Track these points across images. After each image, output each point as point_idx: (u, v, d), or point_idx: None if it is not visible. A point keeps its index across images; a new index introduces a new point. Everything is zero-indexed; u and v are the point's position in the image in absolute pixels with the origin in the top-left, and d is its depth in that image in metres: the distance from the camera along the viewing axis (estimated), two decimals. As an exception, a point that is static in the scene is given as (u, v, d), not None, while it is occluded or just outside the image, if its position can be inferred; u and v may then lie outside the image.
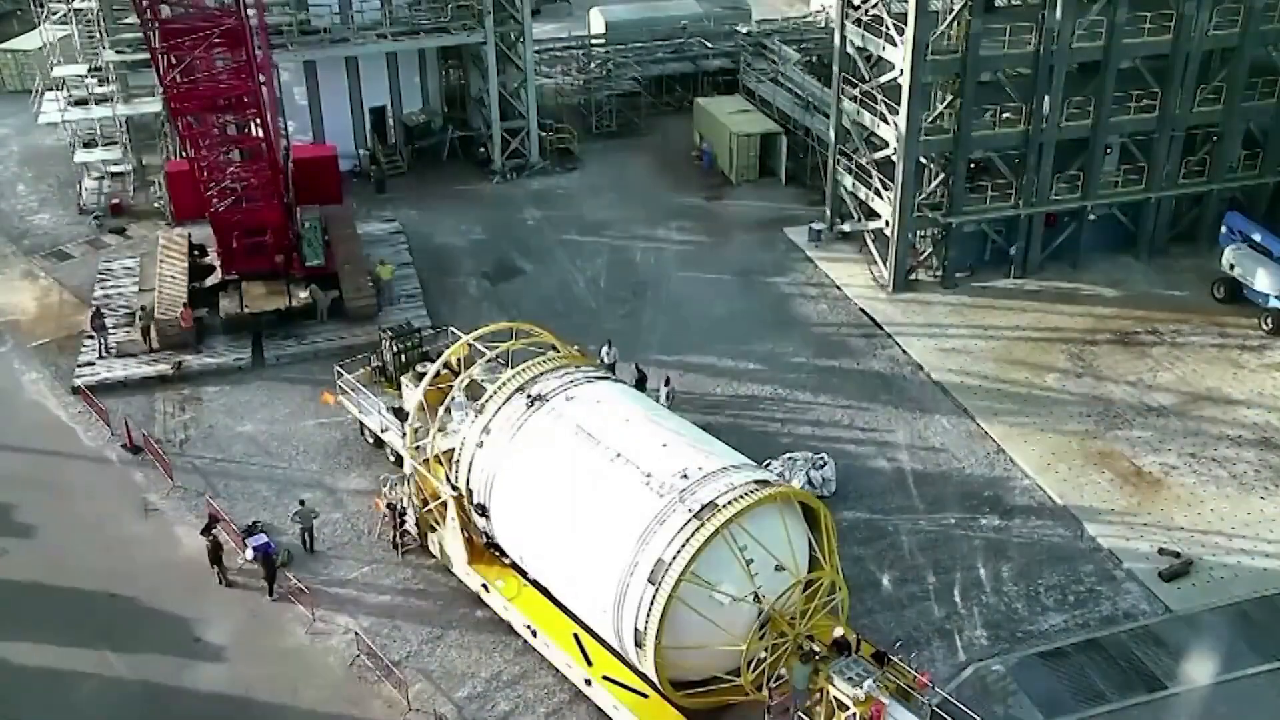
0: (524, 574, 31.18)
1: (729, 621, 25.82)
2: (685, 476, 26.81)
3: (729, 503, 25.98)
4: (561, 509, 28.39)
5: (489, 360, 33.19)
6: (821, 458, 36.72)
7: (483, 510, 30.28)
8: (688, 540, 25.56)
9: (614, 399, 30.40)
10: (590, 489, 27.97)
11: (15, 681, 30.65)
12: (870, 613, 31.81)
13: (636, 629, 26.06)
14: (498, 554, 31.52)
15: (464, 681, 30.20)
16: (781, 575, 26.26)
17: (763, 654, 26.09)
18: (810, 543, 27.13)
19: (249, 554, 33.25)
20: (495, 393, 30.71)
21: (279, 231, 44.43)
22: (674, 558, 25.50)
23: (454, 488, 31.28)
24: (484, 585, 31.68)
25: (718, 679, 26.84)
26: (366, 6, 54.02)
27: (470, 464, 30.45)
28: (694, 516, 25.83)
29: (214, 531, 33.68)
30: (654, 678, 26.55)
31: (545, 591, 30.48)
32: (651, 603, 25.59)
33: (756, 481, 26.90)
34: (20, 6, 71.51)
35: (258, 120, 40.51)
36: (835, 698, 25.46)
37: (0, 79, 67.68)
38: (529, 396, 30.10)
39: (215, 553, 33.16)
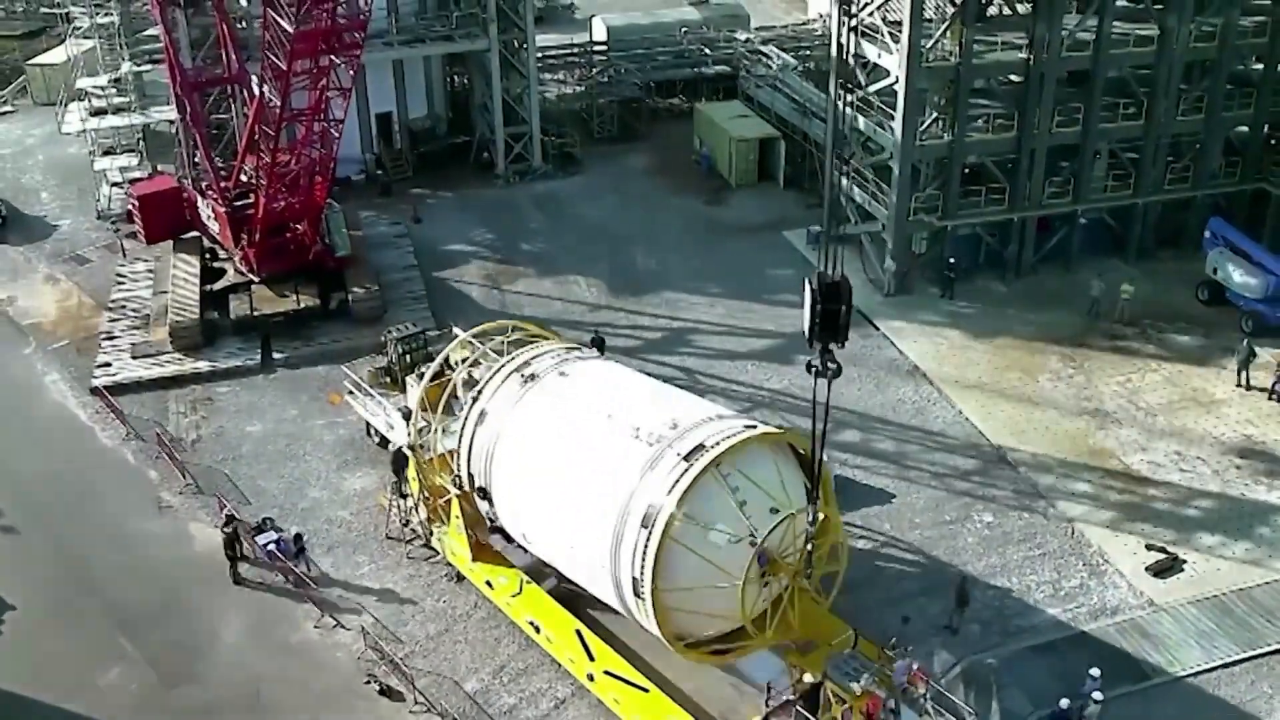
0: (528, 574, 31.23)
1: (725, 560, 25.03)
2: (675, 426, 26.42)
3: (717, 443, 25.53)
4: (556, 472, 28.10)
5: (481, 352, 33.02)
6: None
7: (484, 493, 30.04)
8: (677, 481, 25.07)
9: (606, 371, 30.43)
10: (582, 449, 27.68)
11: (39, 669, 30.71)
12: (867, 610, 31.77)
13: (634, 578, 25.38)
14: (503, 538, 31.31)
15: (469, 676, 30.20)
16: (776, 516, 25.50)
17: (761, 593, 25.47)
18: (805, 487, 26.25)
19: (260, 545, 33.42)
20: (491, 376, 30.60)
21: (315, 219, 44.62)
22: (664, 499, 24.98)
23: (458, 486, 31.35)
24: (488, 582, 31.70)
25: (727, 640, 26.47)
26: (374, 15, 53.89)
27: (470, 447, 30.24)
28: (683, 459, 25.34)
29: (233, 525, 33.72)
30: (657, 631, 25.84)
31: (549, 577, 30.48)
32: (645, 546, 24.97)
33: (746, 426, 26.60)
34: (50, 23, 72.00)
35: (350, 69, 40.26)
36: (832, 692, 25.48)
37: (29, 92, 68.20)
38: (523, 376, 30.03)
39: (231, 546, 33.21)
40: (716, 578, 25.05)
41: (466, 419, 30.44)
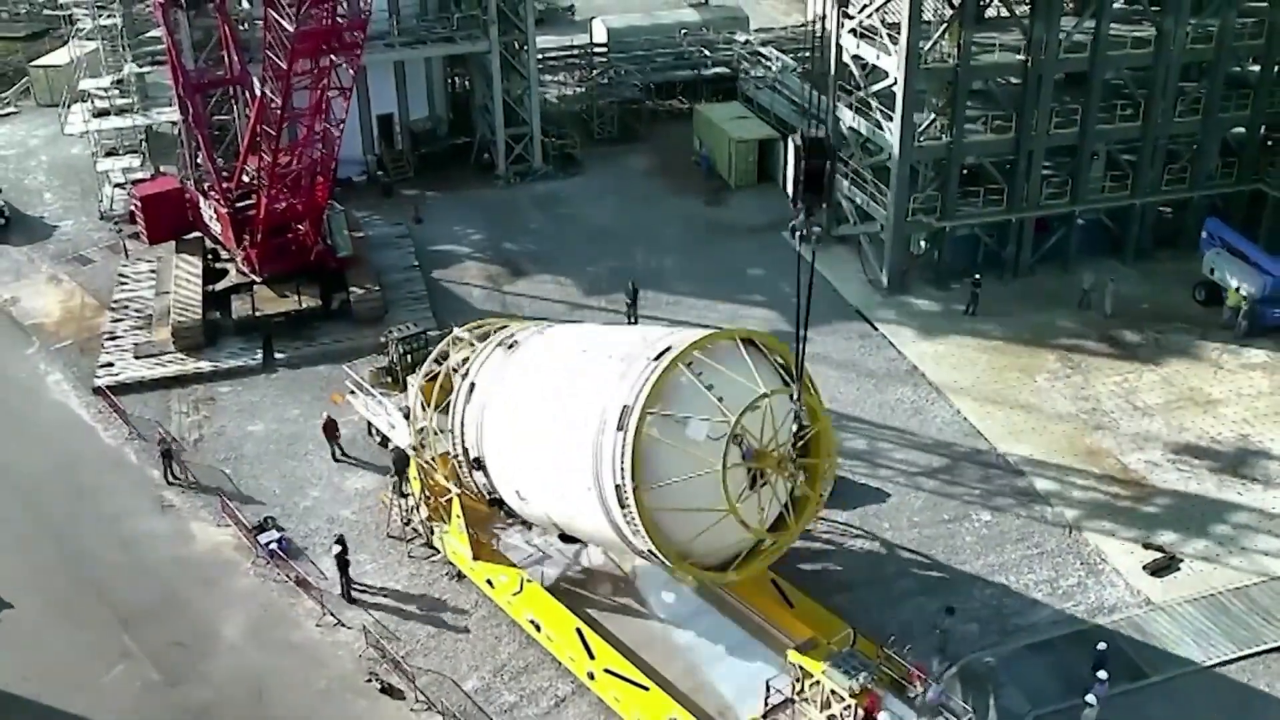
0: (522, 578, 31.29)
1: (702, 448, 24.72)
2: (644, 340, 26.58)
3: (686, 342, 25.63)
4: (538, 412, 28.21)
5: (467, 342, 33.05)
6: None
7: (479, 463, 30.03)
8: (647, 380, 24.99)
9: (586, 326, 30.64)
10: (560, 382, 27.83)
11: (42, 667, 30.75)
12: (866, 609, 31.85)
13: (616, 485, 25.02)
14: (502, 511, 31.14)
15: (470, 674, 30.23)
16: (751, 399, 25.08)
17: (750, 490, 24.99)
18: (783, 377, 26.07)
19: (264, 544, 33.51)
20: (478, 353, 30.95)
21: (317, 219, 44.65)
22: (636, 399, 24.78)
23: (459, 484, 31.44)
24: (489, 581, 31.74)
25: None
26: (375, 17, 53.95)
27: (462, 422, 30.35)
28: (652, 361, 25.31)
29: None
30: (650, 544, 25.28)
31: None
32: (622, 449, 24.68)
33: (716, 329, 26.58)
34: (53, 25, 72.17)
35: (351, 68, 40.33)
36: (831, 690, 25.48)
37: (33, 94, 68.30)
38: (506, 345, 30.40)
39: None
40: (696, 467, 24.56)
41: (457, 397, 30.64)
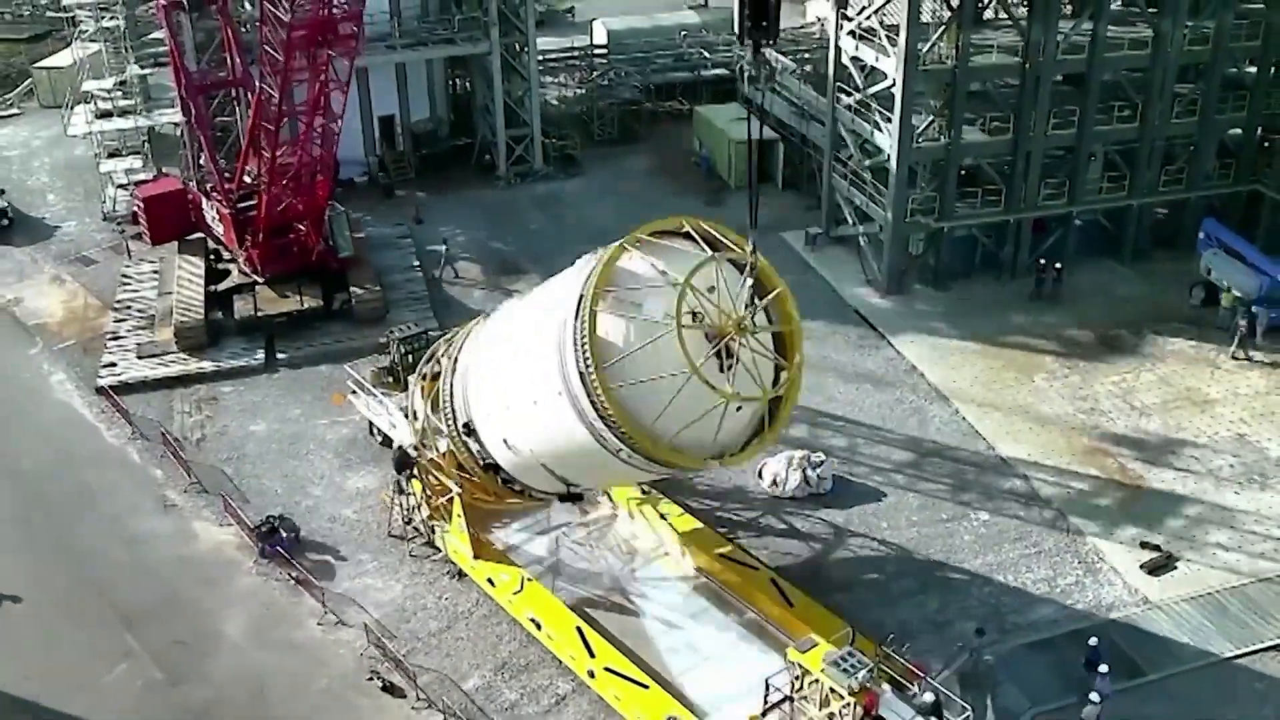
0: (522, 577, 31.24)
1: (654, 311, 24.37)
2: (597, 252, 26.20)
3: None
4: (511, 343, 28.36)
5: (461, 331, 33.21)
6: (819, 456, 36.78)
7: (469, 429, 29.96)
8: (597, 268, 24.90)
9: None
10: (529, 311, 27.95)
11: (44, 666, 30.76)
12: (866, 607, 31.87)
13: (580, 372, 24.56)
14: (499, 479, 30.82)
15: (471, 673, 30.22)
16: (699, 259, 24.70)
17: (708, 349, 24.34)
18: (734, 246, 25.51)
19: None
20: (464, 333, 31.11)
21: (318, 219, 44.66)
22: (587, 285, 24.63)
23: (459, 483, 31.43)
24: (489, 580, 31.74)
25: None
26: (376, 18, 54.06)
27: (451, 395, 30.47)
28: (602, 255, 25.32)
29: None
30: (621, 426, 24.54)
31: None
32: (579, 333, 24.39)
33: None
34: (56, 27, 72.26)
35: (347, 60, 40.33)
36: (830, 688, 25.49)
37: (36, 95, 68.33)
38: (485, 317, 30.73)
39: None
40: (651, 331, 24.22)
41: (445, 376, 30.86)
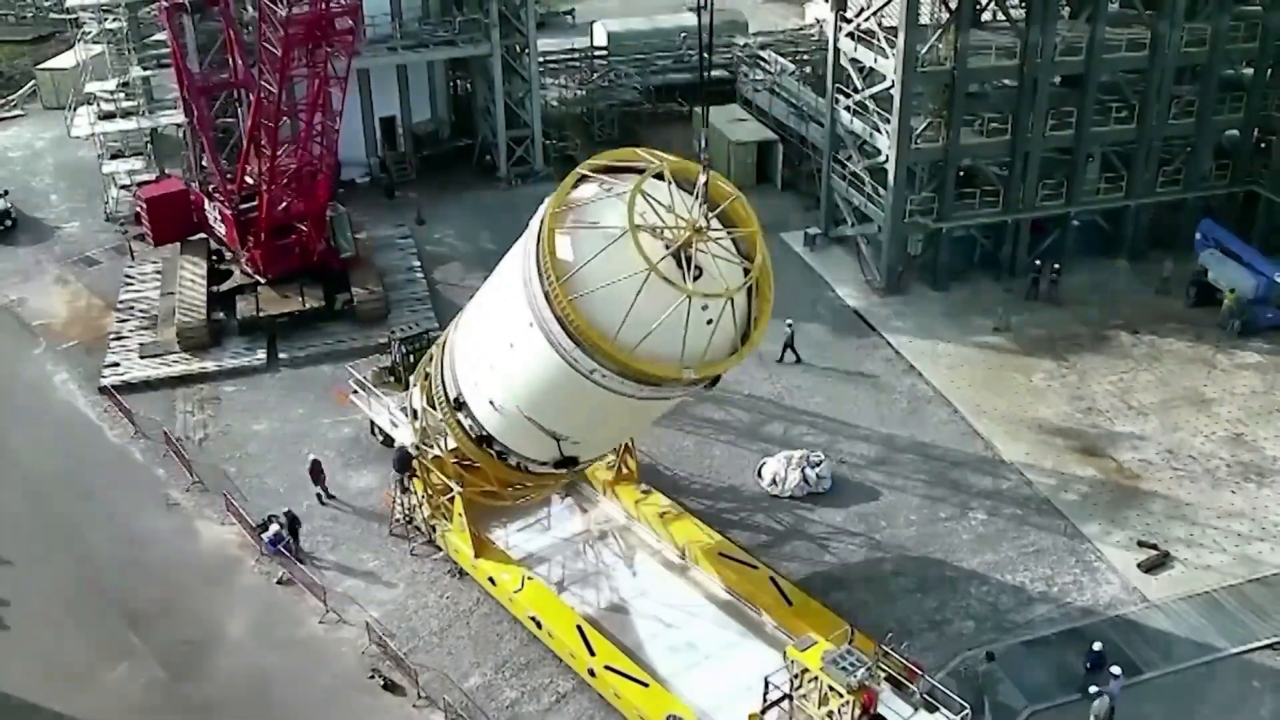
0: (523, 576, 31.19)
1: (604, 217, 24.70)
2: None
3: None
4: (487, 300, 28.71)
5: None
6: (817, 455, 36.78)
7: (460, 404, 30.03)
8: (553, 196, 25.45)
9: None
10: (503, 269, 28.08)
11: (48, 664, 30.75)
12: (864, 606, 31.88)
13: (544, 292, 24.70)
14: (491, 451, 30.49)
15: (472, 671, 30.22)
16: (649, 172, 25.18)
17: (660, 247, 24.31)
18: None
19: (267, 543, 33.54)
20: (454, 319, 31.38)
21: (319, 219, 44.62)
22: (545, 211, 25.09)
23: (460, 482, 31.41)
24: (490, 579, 31.74)
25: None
26: (378, 20, 54.10)
27: (442, 376, 30.60)
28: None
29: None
30: (587, 338, 24.45)
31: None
32: (539, 253, 24.62)
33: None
34: (59, 29, 72.22)
35: (344, 56, 40.34)
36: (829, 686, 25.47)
37: (39, 97, 68.34)
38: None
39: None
40: (607, 237, 24.36)
41: (436, 362, 31.09)
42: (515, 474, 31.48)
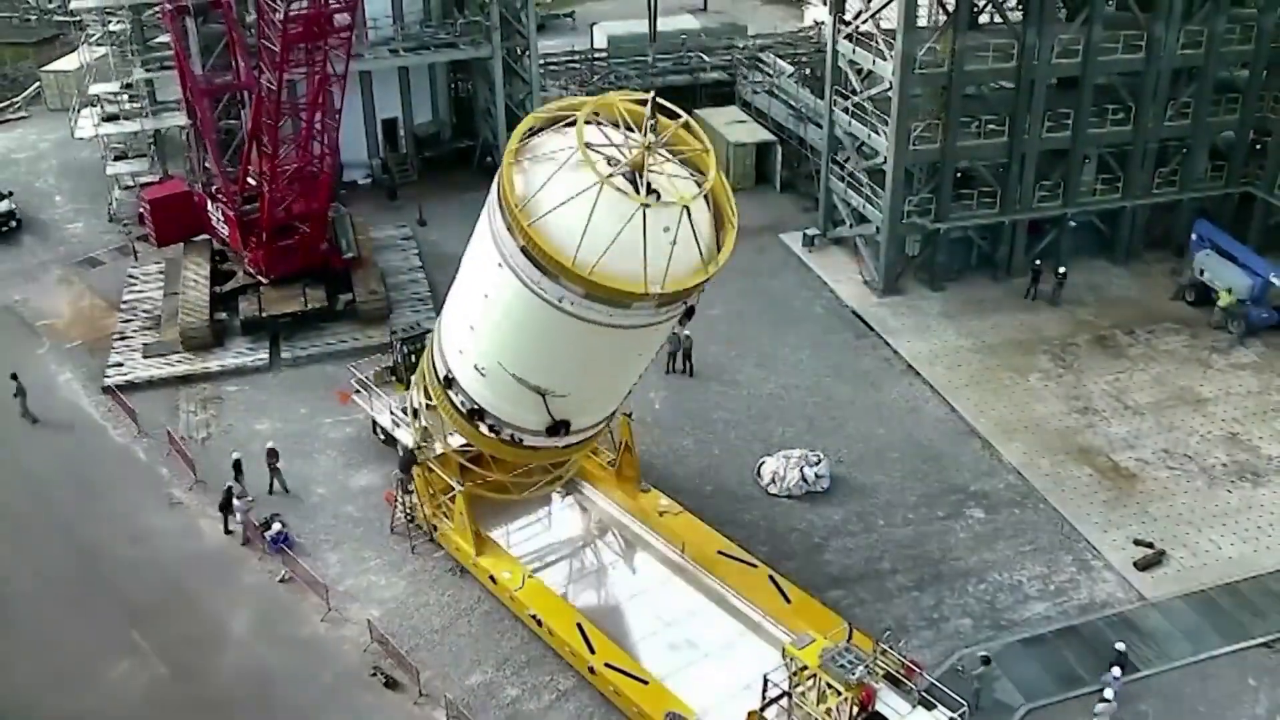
0: (524, 574, 31.15)
1: (556, 149, 25.11)
2: None
3: None
4: (464, 265, 28.86)
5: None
6: (816, 454, 36.76)
7: (450, 381, 29.98)
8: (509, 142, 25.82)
9: None
10: (474, 235, 28.28)
11: (50, 662, 30.73)
12: (863, 604, 31.85)
13: (506, 225, 25.21)
14: (480, 422, 30.13)
15: (473, 668, 30.21)
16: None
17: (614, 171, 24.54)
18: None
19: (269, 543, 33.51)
20: None
21: (321, 220, 44.63)
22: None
23: (461, 481, 31.36)
24: (491, 577, 31.73)
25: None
26: (380, 23, 54.07)
27: (433, 362, 30.62)
28: None
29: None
30: (548, 259, 24.67)
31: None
32: (499, 190, 25.15)
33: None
34: (63, 31, 72.21)
35: (342, 54, 40.31)
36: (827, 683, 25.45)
37: (43, 98, 68.34)
38: None
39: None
40: (558, 161, 24.84)
41: (428, 350, 31.15)
42: (512, 450, 30.78)
